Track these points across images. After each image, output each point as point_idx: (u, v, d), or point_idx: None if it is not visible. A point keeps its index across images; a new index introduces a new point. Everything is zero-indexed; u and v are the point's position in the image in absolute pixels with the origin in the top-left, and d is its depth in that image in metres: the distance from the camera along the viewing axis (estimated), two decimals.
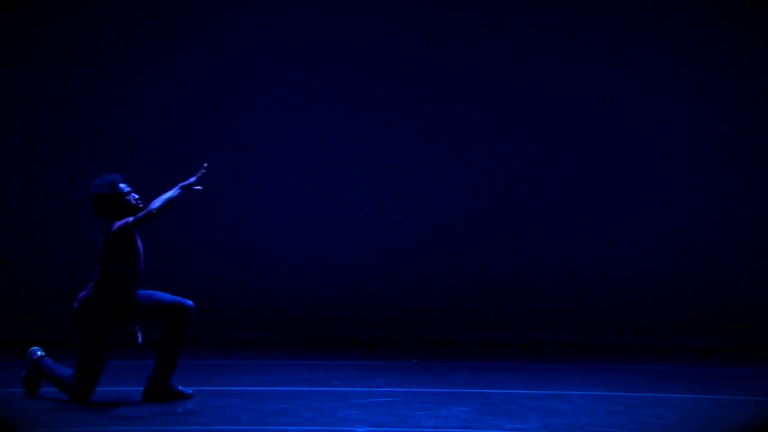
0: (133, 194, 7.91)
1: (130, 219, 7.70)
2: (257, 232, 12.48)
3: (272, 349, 11.46)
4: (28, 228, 12.46)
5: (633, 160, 12.31)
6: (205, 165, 7.91)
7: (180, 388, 7.85)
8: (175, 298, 7.89)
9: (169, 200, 7.66)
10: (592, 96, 12.36)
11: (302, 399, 7.94)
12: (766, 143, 12.21)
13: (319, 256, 12.46)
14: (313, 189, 12.49)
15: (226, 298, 12.06)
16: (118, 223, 7.72)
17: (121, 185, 7.88)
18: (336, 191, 12.51)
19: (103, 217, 7.87)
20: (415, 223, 12.45)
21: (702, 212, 12.20)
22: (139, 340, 8.00)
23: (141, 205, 7.87)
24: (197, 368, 9.73)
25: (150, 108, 12.51)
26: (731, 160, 12.19)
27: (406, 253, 12.44)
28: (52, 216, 12.46)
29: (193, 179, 7.84)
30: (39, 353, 8.08)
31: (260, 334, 12.26)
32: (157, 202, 7.66)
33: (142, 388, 7.84)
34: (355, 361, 10.50)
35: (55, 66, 12.49)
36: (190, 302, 7.86)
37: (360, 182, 12.50)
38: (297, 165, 12.54)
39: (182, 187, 7.78)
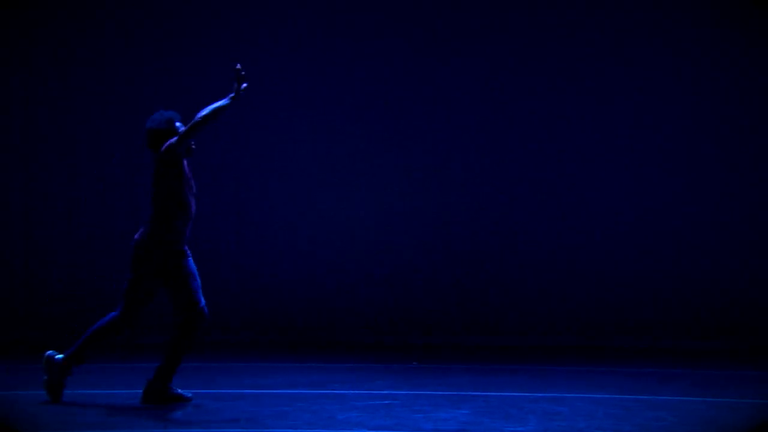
0: None
1: (176, 137, 7.61)
2: (257, 233, 12.48)
3: (271, 351, 11.46)
4: (28, 228, 12.46)
5: (633, 160, 12.31)
6: (238, 68, 7.65)
7: (179, 391, 7.85)
8: (202, 301, 7.84)
9: (216, 109, 7.53)
10: (592, 96, 12.36)
11: (301, 401, 7.94)
12: (766, 143, 12.20)
13: (319, 257, 12.46)
14: (312, 190, 12.49)
15: (225, 300, 12.04)
16: (166, 144, 7.63)
17: (177, 123, 7.79)
18: (336, 192, 12.51)
19: (155, 152, 7.77)
20: (415, 225, 12.45)
21: (702, 212, 12.20)
22: None
23: (193, 146, 7.76)
24: (197, 371, 9.73)
25: (150, 108, 12.47)
26: (731, 160, 12.19)
27: (406, 254, 12.43)
28: (52, 216, 12.46)
29: (235, 90, 7.60)
30: (58, 355, 7.97)
31: (259, 336, 12.27)
32: (202, 111, 7.54)
33: (141, 391, 7.83)
34: (355, 364, 10.50)
35: (55, 66, 12.48)
36: (207, 312, 7.87)
37: (360, 183, 12.49)
38: (297, 165, 12.54)
39: (232, 98, 7.59)
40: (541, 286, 12.34)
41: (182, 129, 7.68)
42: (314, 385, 8.87)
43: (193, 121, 7.59)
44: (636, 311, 12.21)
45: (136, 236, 7.84)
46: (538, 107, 12.43)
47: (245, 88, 7.67)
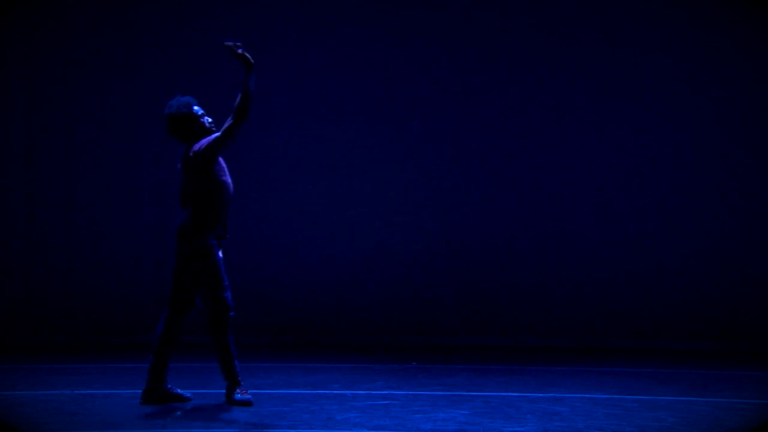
0: (206, 117, 7.79)
1: (219, 134, 7.58)
2: (257, 236, 12.48)
3: (270, 352, 11.47)
4: (29, 233, 12.45)
5: (632, 161, 12.32)
6: (229, 43, 7.56)
7: (179, 391, 7.85)
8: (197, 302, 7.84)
9: (242, 100, 7.45)
10: (592, 98, 12.38)
11: (300, 402, 7.94)
12: (766, 143, 12.21)
13: (319, 258, 12.47)
14: (313, 193, 12.49)
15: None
16: (206, 141, 7.62)
17: (196, 107, 7.79)
18: (336, 195, 12.52)
19: (177, 137, 7.81)
20: (416, 225, 12.46)
21: (702, 214, 12.20)
22: None
23: (214, 128, 7.77)
24: (196, 371, 9.74)
25: (150, 108, 12.52)
26: (732, 160, 12.20)
27: (406, 255, 12.45)
28: (52, 217, 12.46)
29: (246, 71, 7.49)
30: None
31: (259, 336, 12.27)
32: (234, 111, 7.48)
33: (140, 391, 7.84)
34: (354, 364, 10.51)
35: (55, 66, 12.49)
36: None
37: (360, 184, 12.50)
38: (297, 168, 12.54)
39: (246, 78, 7.48)
40: (541, 286, 12.34)
41: (224, 126, 7.63)
42: (313, 385, 8.87)
43: (228, 124, 7.54)
44: (635, 312, 12.22)
45: (175, 237, 7.81)
46: (539, 109, 12.44)
47: (242, 52, 7.53)
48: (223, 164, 7.81)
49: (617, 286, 12.26)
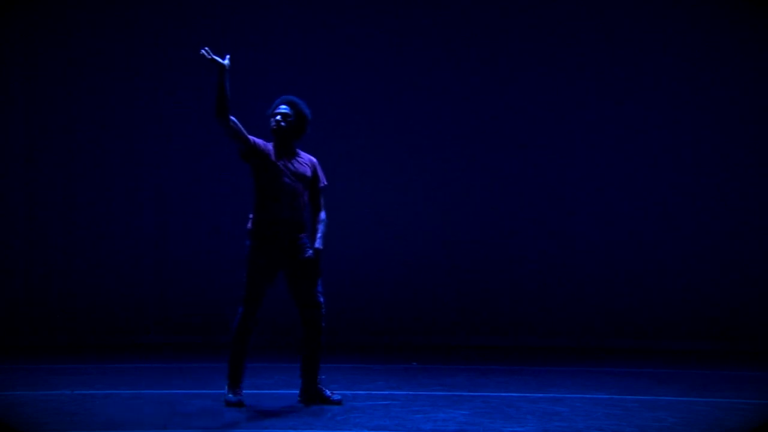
0: (278, 116, 7.90)
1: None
2: None
3: (271, 352, 11.45)
4: (29, 233, 12.44)
5: (632, 164, 12.31)
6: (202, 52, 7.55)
7: (327, 392, 7.92)
8: (319, 298, 8.08)
9: (217, 95, 7.60)
10: (593, 99, 12.37)
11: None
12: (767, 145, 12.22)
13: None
14: None
15: (227, 303, 12.03)
16: None
17: (273, 106, 7.94)
18: (336, 193, 12.50)
19: None
20: (415, 227, 12.46)
21: (700, 215, 12.20)
22: None
23: (274, 127, 7.90)
24: (196, 372, 9.73)
25: (150, 108, 12.51)
26: (732, 161, 12.20)
27: (406, 255, 12.44)
28: (53, 217, 12.45)
29: (218, 62, 7.53)
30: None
31: (260, 338, 12.25)
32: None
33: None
34: (355, 364, 10.50)
35: (55, 66, 12.49)
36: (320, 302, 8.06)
37: (360, 184, 12.49)
38: None
39: (219, 77, 7.58)
40: (541, 286, 12.34)
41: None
42: None
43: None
44: (635, 312, 12.22)
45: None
46: (539, 109, 12.44)
47: (211, 57, 7.54)
48: (288, 166, 7.93)
49: (617, 286, 12.26)
